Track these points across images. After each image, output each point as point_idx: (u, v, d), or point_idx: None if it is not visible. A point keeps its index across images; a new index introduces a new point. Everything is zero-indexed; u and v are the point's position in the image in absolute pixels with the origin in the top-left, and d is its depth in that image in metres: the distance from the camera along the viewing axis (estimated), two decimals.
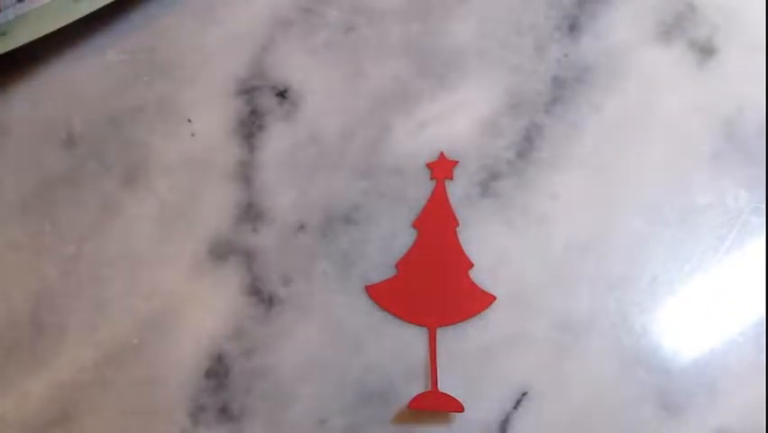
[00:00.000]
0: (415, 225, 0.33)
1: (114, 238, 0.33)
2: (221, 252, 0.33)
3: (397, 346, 0.32)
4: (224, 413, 0.32)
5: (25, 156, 0.34)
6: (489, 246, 0.32)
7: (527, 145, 0.33)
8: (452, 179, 0.33)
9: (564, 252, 0.32)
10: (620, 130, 0.33)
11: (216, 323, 0.32)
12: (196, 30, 0.35)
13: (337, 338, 0.32)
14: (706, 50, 0.34)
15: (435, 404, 0.31)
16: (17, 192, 0.34)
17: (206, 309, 0.32)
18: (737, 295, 0.32)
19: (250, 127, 0.34)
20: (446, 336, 0.32)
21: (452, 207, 0.33)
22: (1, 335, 0.32)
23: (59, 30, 0.32)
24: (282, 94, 0.34)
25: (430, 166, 0.33)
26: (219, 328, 0.32)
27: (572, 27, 0.34)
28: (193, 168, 0.33)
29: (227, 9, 0.35)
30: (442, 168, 0.33)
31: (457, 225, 0.33)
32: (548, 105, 0.33)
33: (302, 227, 0.33)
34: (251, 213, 0.33)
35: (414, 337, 0.32)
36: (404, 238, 0.33)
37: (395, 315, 0.32)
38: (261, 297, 0.32)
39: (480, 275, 0.32)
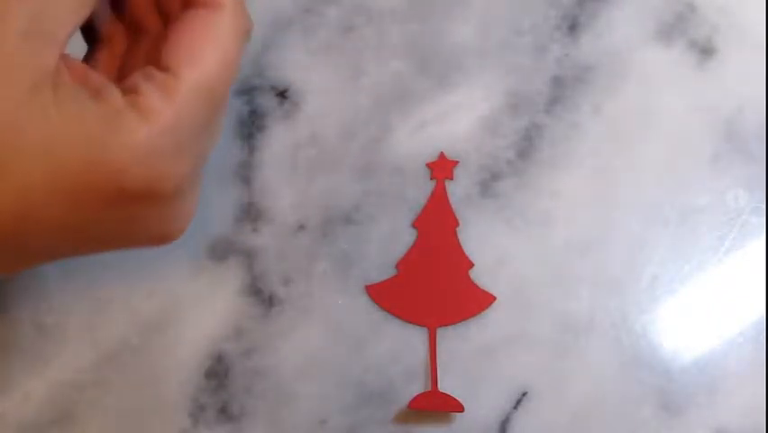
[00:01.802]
0: (415, 225, 0.33)
1: None
2: (221, 252, 0.33)
3: (397, 346, 0.32)
4: (224, 413, 0.32)
5: None
6: (489, 246, 0.32)
7: (527, 145, 0.33)
8: (452, 179, 0.33)
9: (564, 252, 0.32)
10: (620, 130, 0.33)
11: (216, 323, 0.32)
12: None
13: (337, 338, 0.32)
14: (706, 50, 0.34)
15: (435, 404, 0.31)
16: None
17: (206, 309, 0.32)
18: (737, 295, 0.32)
19: (250, 127, 0.34)
20: (446, 336, 0.32)
21: (452, 207, 0.33)
22: (1, 335, 0.32)
23: None
24: (282, 94, 0.34)
25: (430, 166, 0.33)
26: (219, 328, 0.32)
27: (572, 27, 0.34)
28: None
29: None
30: (442, 168, 0.33)
31: (457, 225, 0.33)
32: (548, 105, 0.33)
33: (302, 227, 0.33)
34: (251, 213, 0.33)
35: (414, 337, 0.32)
36: (404, 238, 0.33)
37: (395, 315, 0.32)
38: (261, 297, 0.32)
39: (480, 275, 0.32)
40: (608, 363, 0.32)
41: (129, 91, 0.24)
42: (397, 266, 0.32)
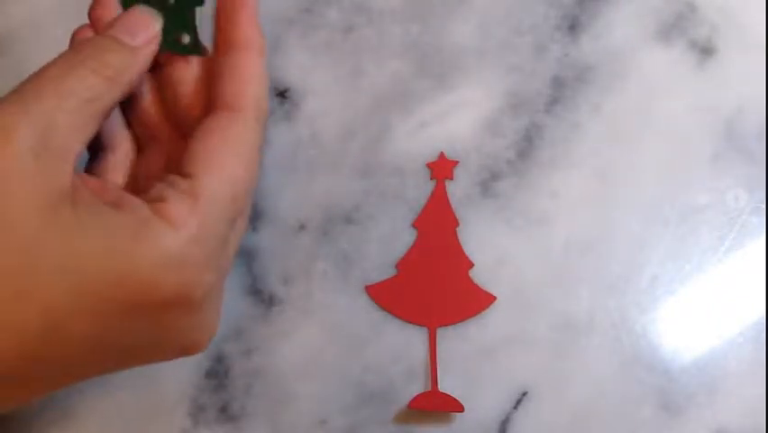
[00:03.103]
0: (415, 225, 0.33)
1: None
2: None
3: (397, 346, 0.32)
4: (224, 413, 0.32)
5: None
6: (489, 246, 0.32)
7: (527, 145, 0.33)
8: (452, 179, 0.33)
9: (564, 252, 0.32)
10: (620, 130, 0.33)
11: None
12: None
13: (337, 338, 0.32)
14: (706, 50, 0.34)
15: (435, 404, 0.31)
16: None
17: None
18: (737, 295, 0.32)
19: None
20: (446, 336, 0.32)
21: (452, 207, 0.33)
22: None
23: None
24: (282, 94, 0.34)
25: (430, 166, 0.33)
26: (219, 328, 0.32)
27: (572, 27, 0.34)
28: None
29: None
30: (442, 168, 0.33)
31: (457, 225, 0.33)
32: (548, 105, 0.33)
33: (302, 227, 0.33)
34: (251, 213, 0.33)
35: (414, 337, 0.32)
36: (404, 238, 0.33)
37: (395, 315, 0.32)
38: (261, 297, 0.32)
39: (480, 275, 0.32)
40: (607, 363, 0.32)
41: (153, 200, 0.23)
42: (397, 266, 0.32)
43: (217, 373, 0.32)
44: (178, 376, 0.32)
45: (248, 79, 0.25)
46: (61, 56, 0.24)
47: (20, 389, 0.23)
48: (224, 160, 0.24)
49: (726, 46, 0.34)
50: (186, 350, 0.26)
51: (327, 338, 0.32)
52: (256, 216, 0.33)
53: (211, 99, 0.26)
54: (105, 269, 0.22)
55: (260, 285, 0.33)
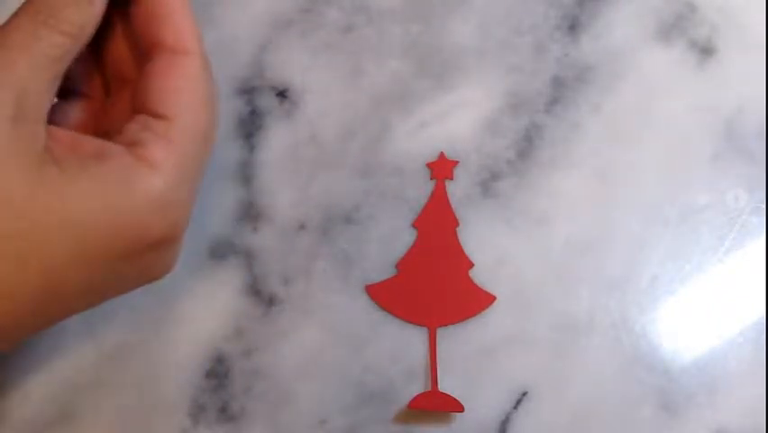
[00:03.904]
0: (415, 225, 0.33)
1: None
2: (221, 252, 0.33)
3: (397, 346, 0.32)
4: (224, 413, 0.32)
5: None
6: (489, 246, 0.32)
7: (527, 145, 0.33)
8: (452, 179, 0.33)
9: (564, 252, 0.32)
10: (620, 130, 0.33)
11: (216, 323, 0.32)
12: None
13: (337, 338, 0.32)
14: (706, 50, 0.34)
15: (435, 404, 0.31)
16: None
17: (206, 309, 0.32)
18: (737, 295, 0.32)
19: (250, 127, 0.34)
20: (446, 336, 0.32)
21: (452, 207, 0.33)
22: None
23: None
24: (282, 94, 0.34)
25: (430, 166, 0.33)
26: (219, 328, 0.32)
27: (572, 27, 0.34)
28: None
29: (226, 9, 0.35)
30: (442, 168, 0.33)
31: (457, 225, 0.33)
32: (548, 105, 0.33)
33: (302, 227, 0.33)
34: (251, 213, 0.33)
35: (414, 337, 0.32)
36: (404, 238, 0.33)
37: (395, 315, 0.32)
38: (261, 297, 0.32)
39: (480, 275, 0.32)
40: (607, 363, 0.32)
41: (130, 144, 0.24)
42: (397, 266, 0.32)
43: (217, 373, 0.32)
44: (178, 376, 0.32)
45: (187, 18, 0.26)
46: (20, 15, 0.24)
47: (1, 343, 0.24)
48: (191, 100, 0.25)
49: (726, 46, 0.34)
50: (160, 276, 0.27)
51: (327, 338, 0.32)
52: (256, 216, 0.33)
53: (152, 39, 0.26)
54: (101, 221, 0.22)
55: (260, 285, 0.33)
